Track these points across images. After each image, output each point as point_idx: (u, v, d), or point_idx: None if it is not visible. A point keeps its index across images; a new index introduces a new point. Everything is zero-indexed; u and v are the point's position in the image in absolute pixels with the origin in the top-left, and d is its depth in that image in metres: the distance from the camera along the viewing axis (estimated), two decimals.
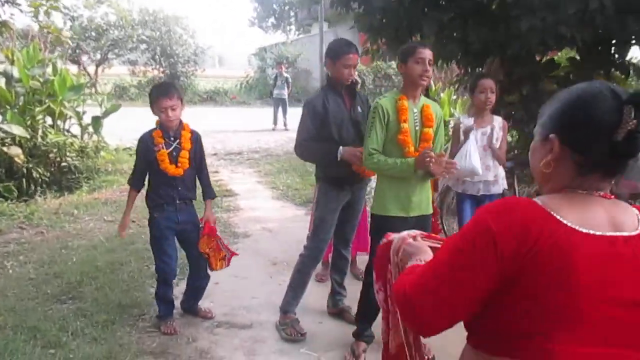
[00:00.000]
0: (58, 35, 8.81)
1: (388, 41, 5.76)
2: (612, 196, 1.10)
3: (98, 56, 21.21)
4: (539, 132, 1.15)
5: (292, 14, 42.51)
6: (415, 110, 2.89)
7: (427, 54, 2.77)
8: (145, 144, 3.17)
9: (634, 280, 1.03)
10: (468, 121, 3.87)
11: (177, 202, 3.29)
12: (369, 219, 3.55)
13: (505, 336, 1.06)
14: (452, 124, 5.02)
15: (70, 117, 8.44)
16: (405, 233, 1.51)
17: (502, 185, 3.83)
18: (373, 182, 3.39)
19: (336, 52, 3.14)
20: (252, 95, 23.75)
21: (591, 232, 1.02)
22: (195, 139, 3.34)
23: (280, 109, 13.56)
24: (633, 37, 4.61)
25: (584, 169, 1.08)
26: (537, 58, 5.46)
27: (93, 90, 14.26)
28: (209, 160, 9.56)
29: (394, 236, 1.55)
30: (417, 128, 2.88)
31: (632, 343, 1.04)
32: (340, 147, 3.11)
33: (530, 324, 1.02)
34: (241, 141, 11.41)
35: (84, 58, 20.97)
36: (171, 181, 3.22)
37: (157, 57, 21.90)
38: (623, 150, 1.04)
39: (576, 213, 1.04)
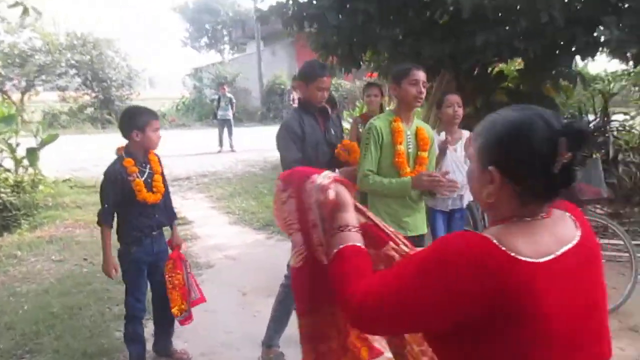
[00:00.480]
0: None
1: (341, 57, 5.75)
2: (550, 211, 1.13)
3: (24, 83, 20.05)
4: (477, 159, 1.15)
5: (225, 33, 42.28)
6: (409, 132, 2.86)
7: (422, 75, 2.76)
8: (118, 176, 2.93)
9: (585, 288, 1.09)
10: (439, 137, 3.91)
11: (154, 232, 3.09)
12: None
13: None
14: None
15: (2, 151, 7.88)
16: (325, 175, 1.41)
17: (468, 198, 3.88)
18: None
19: (309, 75, 3.07)
20: (191, 117, 23.24)
21: (545, 259, 1.04)
22: (159, 160, 3.19)
23: (225, 130, 13.26)
24: (574, 47, 4.82)
25: (525, 198, 1.09)
26: (488, 70, 5.63)
27: (19, 119, 13.41)
28: None
29: (315, 177, 1.42)
30: (410, 150, 2.84)
31: (594, 344, 1.10)
32: (337, 169, 3.04)
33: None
34: (188, 165, 11.04)
35: (8, 85, 19.77)
36: (148, 210, 3.03)
37: (88, 81, 20.99)
38: (560, 181, 1.06)
39: (528, 244, 1.04)
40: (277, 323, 3.23)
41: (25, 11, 6.12)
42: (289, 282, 3.20)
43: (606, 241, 4.57)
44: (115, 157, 3.01)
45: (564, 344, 1.04)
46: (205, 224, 6.75)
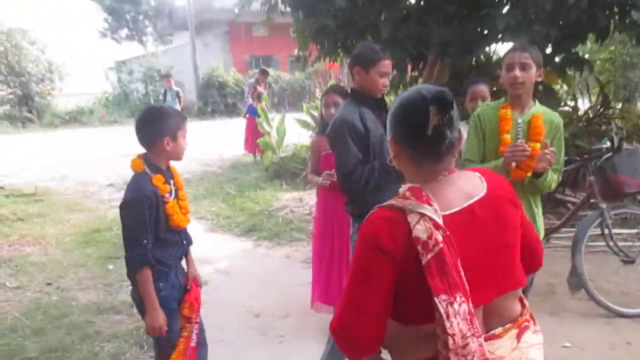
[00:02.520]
0: None
1: (337, 45, 5.25)
2: (455, 169, 1.34)
3: None
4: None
5: (147, 23, 40.13)
6: (519, 120, 2.49)
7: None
8: (152, 201, 2.22)
9: (490, 232, 1.29)
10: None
11: (180, 262, 2.47)
12: None
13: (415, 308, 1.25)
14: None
15: None
16: None
17: None
18: None
19: (370, 58, 2.61)
20: (122, 112, 21.66)
21: (453, 210, 1.27)
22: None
23: None
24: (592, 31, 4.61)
25: (418, 161, 1.33)
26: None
27: None
28: (106, 193, 8.37)
29: None
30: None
31: (507, 275, 1.33)
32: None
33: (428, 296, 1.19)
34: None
35: None
36: (176, 237, 2.39)
37: (3, 76, 18.91)
38: (435, 141, 1.28)
39: (437, 201, 1.25)
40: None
41: None
42: None
43: None
44: (130, 173, 2.30)
45: (472, 278, 1.21)
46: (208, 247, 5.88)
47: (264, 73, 11.36)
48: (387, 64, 2.62)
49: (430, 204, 1.24)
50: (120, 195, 2.61)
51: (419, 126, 1.26)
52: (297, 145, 9.34)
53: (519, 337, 1.34)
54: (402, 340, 1.32)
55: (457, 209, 1.27)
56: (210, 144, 12.31)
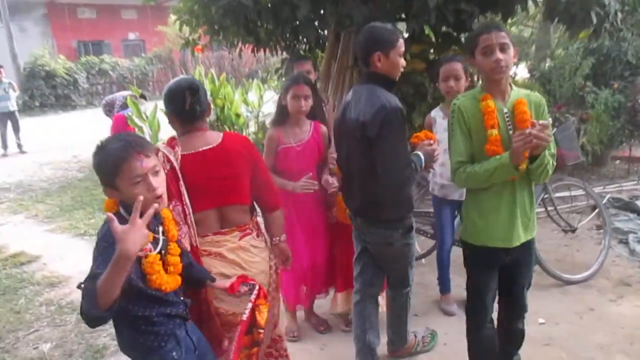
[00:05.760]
0: None
1: (237, 27, 4.67)
2: (205, 129, 2.15)
3: None
4: None
5: None
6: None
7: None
8: None
9: (216, 167, 2.07)
10: (438, 114, 3.37)
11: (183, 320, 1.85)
12: None
13: None
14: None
15: None
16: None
17: None
18: None
19: (390, 40, 2.34)
20: None
21: (192, 151, 2.07)
22: None
23: (9, 126, 10.22)
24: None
25: (180, 123, 2.12)
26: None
27: None
28: None
29: None
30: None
31: (229, 194, 2.13)
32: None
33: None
34: None
35: None
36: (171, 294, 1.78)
37: None
38: (190, 113, 2.08)
39: (184, 145, 2.07)
40: None
41: None
42: None
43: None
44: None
45: (197, 193, 2.05)
46: (61, 256, 4.93)
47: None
48: (403, 43, 2.37)
49: (173, 148, 2.05)
50: None
51: (180, 105, 2.06)
52: None
53: (241, 237, 2.16)
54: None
55: (194, 151, 2.07)
56: (56, 144, 10.66)
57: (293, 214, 2.96)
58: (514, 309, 2.46)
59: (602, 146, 6.23)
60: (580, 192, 4.31)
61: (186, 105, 2.01)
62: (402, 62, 2.39)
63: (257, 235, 2.23)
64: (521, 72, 9.12)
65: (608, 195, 5.29)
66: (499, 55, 2.05)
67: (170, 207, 1.91)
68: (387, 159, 2.25)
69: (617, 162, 7.05)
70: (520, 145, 1.97)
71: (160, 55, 22.74)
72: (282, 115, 2.94)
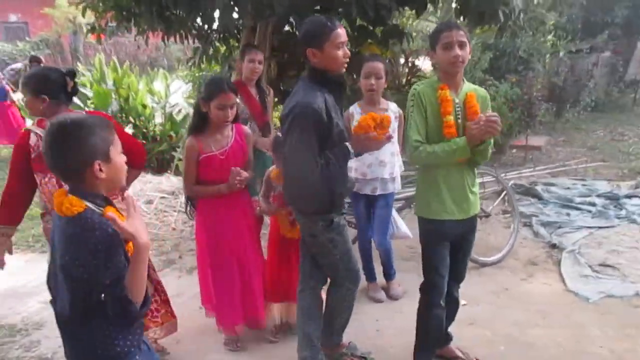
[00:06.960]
0: None
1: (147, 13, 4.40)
2: (72, 110, 2.59)
3: None
4: None
5: None
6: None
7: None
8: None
9: None
10: (356, 110, 3.41)
11: None
12: None
13: None
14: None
15: None
16: None
17: (398, 183, 3.56)
18: None
19: (321, 33, 2.29)
20: None
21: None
22: None
23: None
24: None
25: (55, 103, 2.45)
26: None
27: None
28: None
29: None
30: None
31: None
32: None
33: None
34: None
35: None
36: None
37: None
38: (72, 94, 2.52)
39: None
40: None
41: None
42: None
43: None
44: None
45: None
46: (12, 273, 3.98)
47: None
48: (341, 33, 2.29)
49: (44, 127, 2.33)
50: None
51: (62, 87, 2.46)
52: None
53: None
54: None
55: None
56: None
57: (225, 222, 2.86)
58: (457, 274, 2.65)
59: (502, 136, 6.70)
60: (489, 178, 4.60)
61: (68, 87, 2.48)
62: (343, 53, 2.32)
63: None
64: (425, 65, 9.55)
65: (511, 182, 5.70)
66: (458, 51, 2.26)
67: (46, 179, 2.39)
68: (290, 154, 2.26)
69: (514, 150, 7.64)
70: (477, 133, 2.22)
71: (47, 40, 20.98)
72: (202, 123, 2.77)
